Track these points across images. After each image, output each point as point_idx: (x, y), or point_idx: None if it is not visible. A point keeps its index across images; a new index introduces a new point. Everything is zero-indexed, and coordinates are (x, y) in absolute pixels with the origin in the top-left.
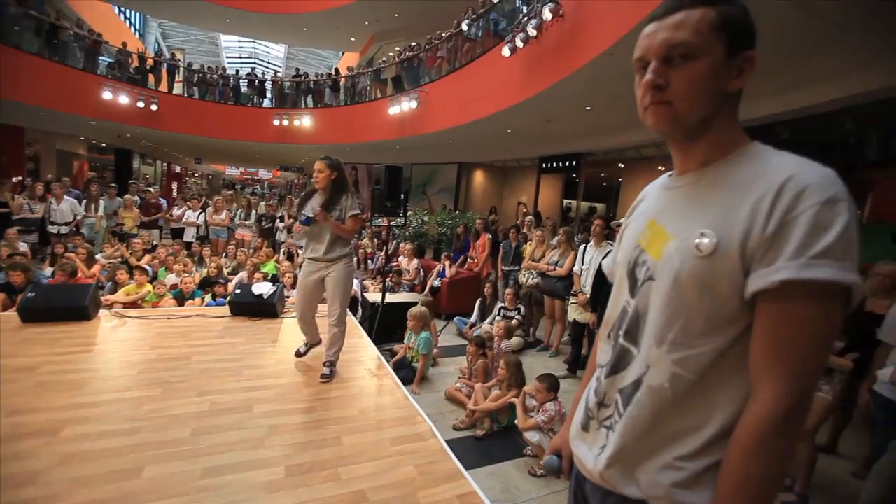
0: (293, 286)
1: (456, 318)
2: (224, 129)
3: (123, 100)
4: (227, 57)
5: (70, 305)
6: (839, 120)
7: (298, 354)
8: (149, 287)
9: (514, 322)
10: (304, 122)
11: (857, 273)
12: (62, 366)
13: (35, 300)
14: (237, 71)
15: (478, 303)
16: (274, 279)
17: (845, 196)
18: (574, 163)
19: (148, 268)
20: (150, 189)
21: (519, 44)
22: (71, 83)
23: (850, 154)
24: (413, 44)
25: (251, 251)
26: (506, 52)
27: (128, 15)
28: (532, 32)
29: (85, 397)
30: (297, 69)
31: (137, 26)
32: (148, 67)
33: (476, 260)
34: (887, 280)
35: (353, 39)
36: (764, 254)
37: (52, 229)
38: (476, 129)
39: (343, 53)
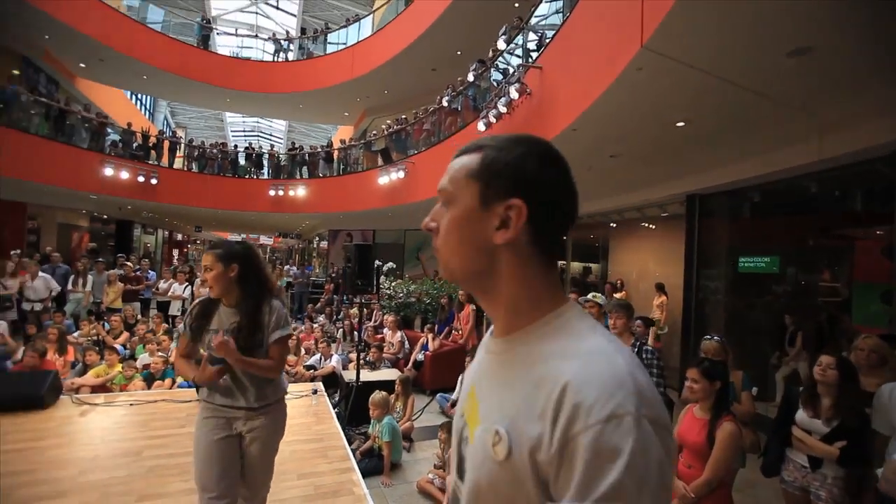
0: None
1: (438, 395)
2: (221, 200)
3: (124, 175)
4: (232, 131)
5: (25, 394)
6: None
7: None
8: (118, 368)
9: None
10: (299, 191)
11: None
12: None
13: None
14: (235, 145)
15: (459, 378)
16: None
17: (632, 405)
18: None
19: (119, 347)
20: (128, 262)
21: (492, 119)
22: (74, 161)
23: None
24: (403, 116)
25: None
26: (481, 126)
27: (139, 97)
28: (503, 109)
29: None
30: (293, 142)
31: (148, 106)
32: (150, 144)
33: (461, 332)
34: (873, 355)
35: (346, 114)
36: (556, 476)
37: (27, 306)
38: None
39: (338, 126)
